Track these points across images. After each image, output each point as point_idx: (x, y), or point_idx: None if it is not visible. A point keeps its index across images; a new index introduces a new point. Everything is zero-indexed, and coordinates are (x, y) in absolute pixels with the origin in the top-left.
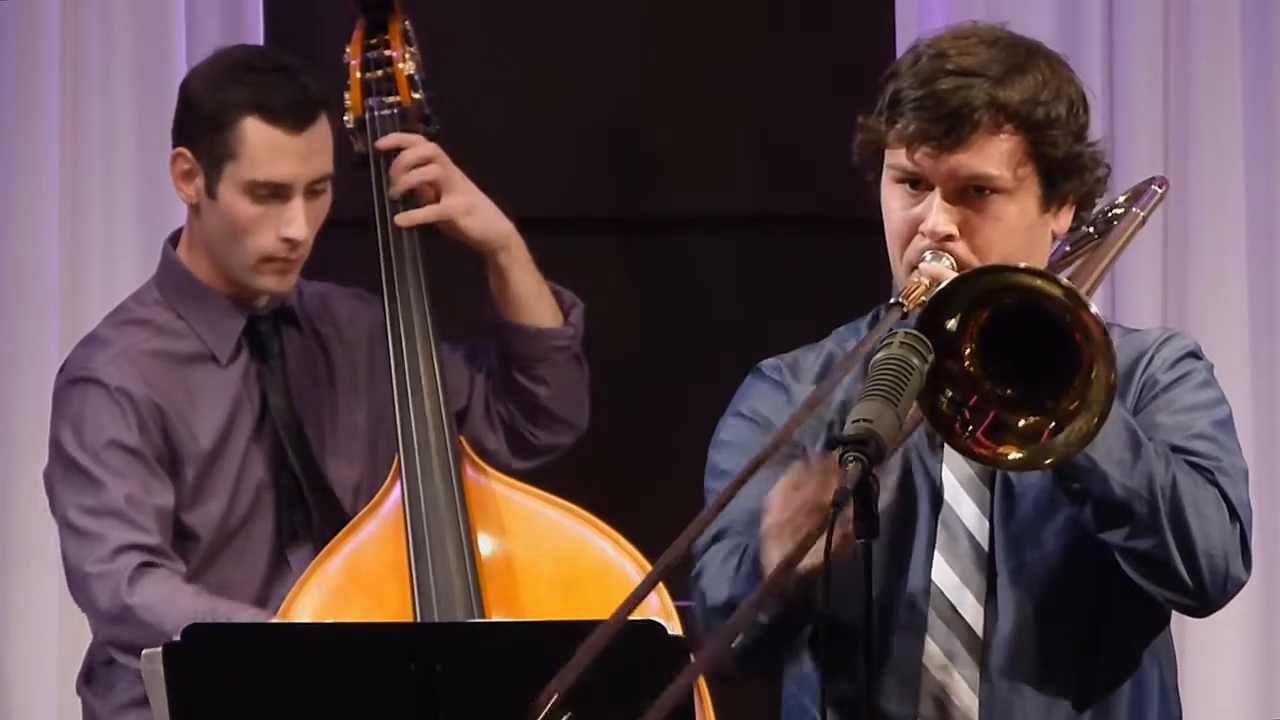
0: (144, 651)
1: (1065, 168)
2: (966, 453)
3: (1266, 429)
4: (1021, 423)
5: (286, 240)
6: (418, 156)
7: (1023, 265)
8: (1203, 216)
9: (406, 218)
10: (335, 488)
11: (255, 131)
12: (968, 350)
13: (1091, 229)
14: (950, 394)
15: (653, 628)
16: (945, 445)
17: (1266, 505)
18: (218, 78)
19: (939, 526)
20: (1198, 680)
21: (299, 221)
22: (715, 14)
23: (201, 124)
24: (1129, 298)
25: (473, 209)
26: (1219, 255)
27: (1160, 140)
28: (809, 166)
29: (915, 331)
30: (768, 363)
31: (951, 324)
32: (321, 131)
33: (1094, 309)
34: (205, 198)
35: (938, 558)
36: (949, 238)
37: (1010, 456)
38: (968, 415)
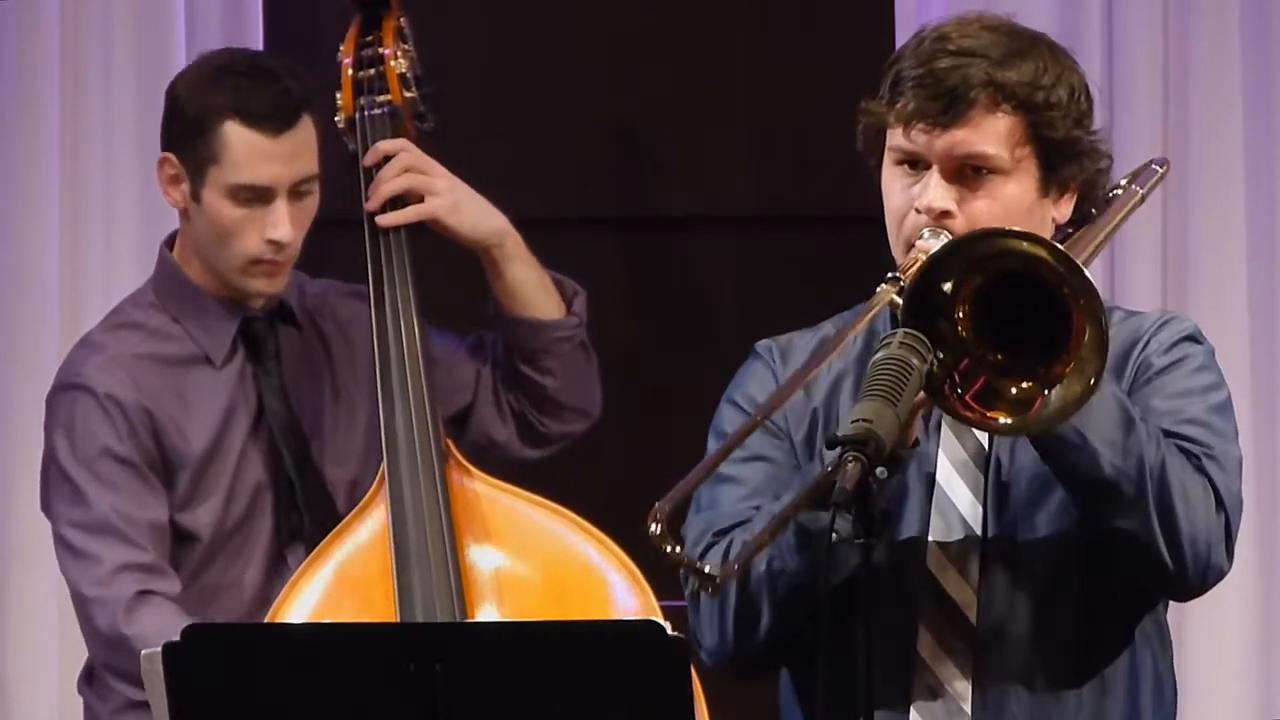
0: (144, 652)
1: (1064, 151)
2: (954, 414)
3: (1266, 422)
4: (1013, 390)
5: (272, 242)
6: (394, 169)
7: (1017, 229)
8: (1203, 214)
9: (389, 218)
10: (333, 487)
11: (236, 135)
12: (960, 314)
13: (1094, 210)
14: (942, 356)
15: (652, 628)
16: (940, 428)
17: (1266, 497)
18: (199, 82)
19: (932, 511)
20: (1198, 672)
21: (284, 224)
22: (714, 14)
23: (185, 129)
24: (1129, 294)
25: (458, 207)
26: (1219, 252)
27: (1160, 138)
28: (809, 166)
29: (914, 331)
30: (762, 343)
31: (946, 287)
32: (303, 133)
33: (1087, 273)
34: (191, 202)
35: (931, 542)
36: (946, 214)
37: (1000, 421)
38: (957, 379)
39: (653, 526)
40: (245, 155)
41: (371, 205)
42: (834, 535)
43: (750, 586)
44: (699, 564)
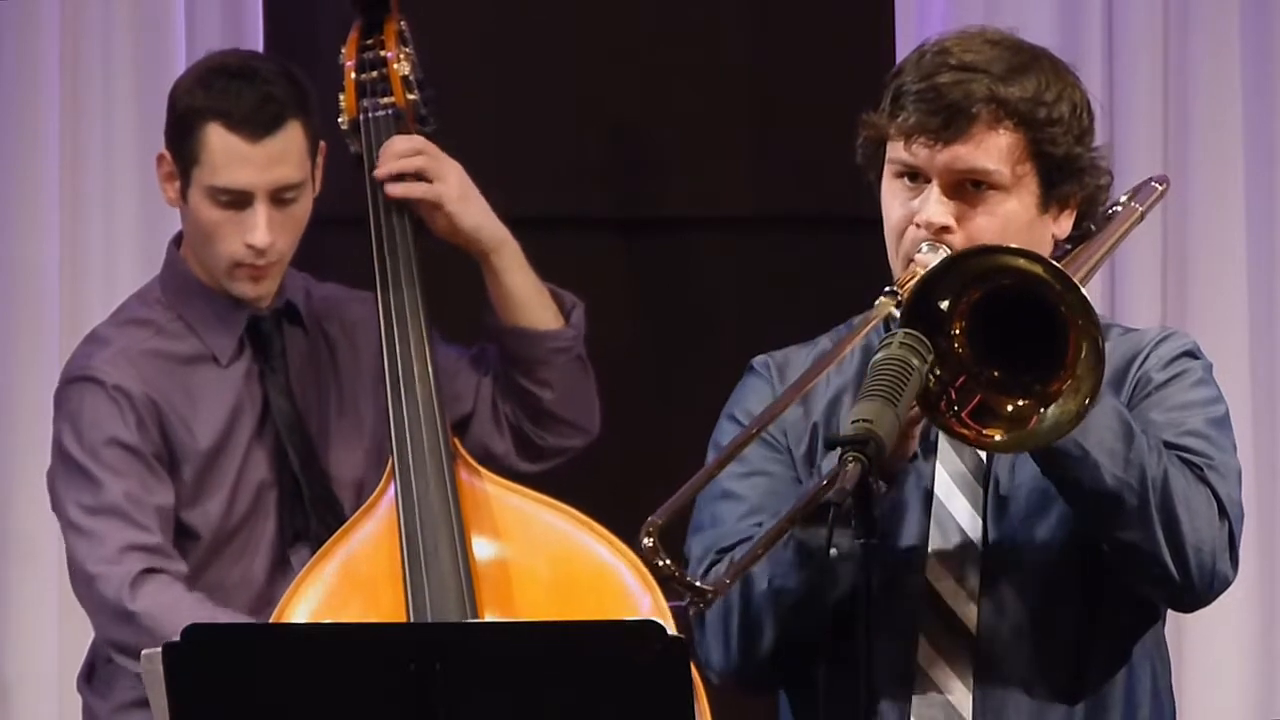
0: (144, 652)
1: (1064, 168)
2: (949, 431)
3: (1266, 428)
4: (1009, 407)
5: (250, 247)
6: (409, 148)
7: (1015, 246)
8: (1203, 216)
9: (399, 188)
10: (338, 487)
11: (215, 138)
12: (957, 330)
13: (1093, 227)
14: (938, 372)
15: (653, 628)
16: (938, 442)
17: (1265, 504)
18: (190, 82)
19: (931, 524)
20: (1196, 680)
21: (260, 229)
22: (715, 14)
23: (175, 127)
24: (1129, 298)
25: (466, 197)
26: (1219, 255)
27: (1160, 140)
28: (809, 166)
29: (914, 332)
30: (759, 359)
31: (942, 304)
32: (287, 140)
33: (1083, 291)
34: (181, 201)
35: (930, 555)
36: (945, 229)
37: (996, 439)
38: (954, 396)
39: (645, 540)
40: (223, 158)
41: (380, 172)
42: (832, 550)
43: (753, 604)
44: (691, 578)
